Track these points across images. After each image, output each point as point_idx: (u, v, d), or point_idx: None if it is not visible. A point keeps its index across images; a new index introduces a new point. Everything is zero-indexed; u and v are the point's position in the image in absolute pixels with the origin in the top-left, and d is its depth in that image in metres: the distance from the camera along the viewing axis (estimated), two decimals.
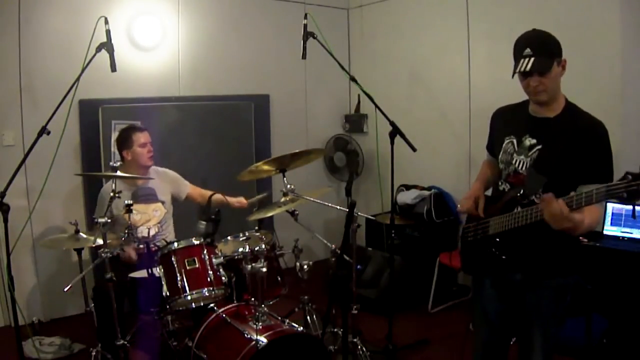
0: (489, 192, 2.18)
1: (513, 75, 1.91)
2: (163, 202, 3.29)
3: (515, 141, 2.01)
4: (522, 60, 1.83)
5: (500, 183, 2.07)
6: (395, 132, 2.81)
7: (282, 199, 2.81)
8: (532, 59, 1.81)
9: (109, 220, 2.58)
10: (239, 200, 3.31)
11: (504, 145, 2.05)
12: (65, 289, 2.50)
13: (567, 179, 1.85)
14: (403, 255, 4.04)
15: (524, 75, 1.88)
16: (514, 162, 1.99)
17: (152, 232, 3.18)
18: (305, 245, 2.92)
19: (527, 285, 1.98)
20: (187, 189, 3.45)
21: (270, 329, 2.41)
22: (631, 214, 3.12)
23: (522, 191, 1.91)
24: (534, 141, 1.94)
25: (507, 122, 2.11)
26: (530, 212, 1.82)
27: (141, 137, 3.19)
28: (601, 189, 1.60)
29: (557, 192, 1.74)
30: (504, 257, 1.98)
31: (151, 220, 3.21)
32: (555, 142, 1.89)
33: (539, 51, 1.82)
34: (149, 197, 3.24)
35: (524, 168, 1.96)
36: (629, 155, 3.32)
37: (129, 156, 3.18)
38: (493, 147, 2.18)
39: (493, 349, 2.18)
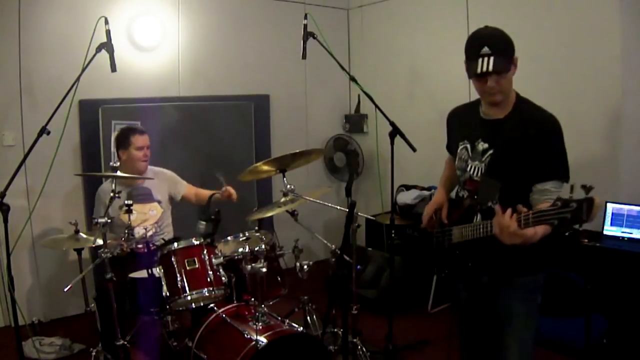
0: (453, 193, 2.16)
1: (471, 77, 1.81)
2: (160, 202, 3.28)
3: (469, 146, 1.96)
4: (480, 59, 1.72)
5: (459, 189, 2.04)
6: (395, 132, 2.80)
7: (282, 199, 2.81)
8: (492, 58, 1.70)
9: (109, 221, 2.58)
10: (222, 193, 3.13)
11: (458, 150, 2.00)
12: (65, 289, 2.50)
13: (521, 181, 1.80)
14: (403, 255, 4.04)
15: (481, 76, 1.76)
16: (468, 168, 1.95)
17: (149, 232, 3.18)
18: (305, 245, 2.92)
19: (496, 286, 1.94)
20: (184, 188, 3.44)
21: (270, 329, 2.41)
22: (632, 214, 3.14)
23: (476, 198, 1.88)
24: (486, 145, 1.89)
25: (460, 125, 2.05)
26: (488, 225, 1.77)
27: (140, 140, 3.18)
28: (535, 214, 1.54)
29: (513, 196, 1.71)
30: (470, 264, 1.94)
31: (148, 220, 3.21)
32: (505, 145, 1.83)
33: (498, 50, 1.72)
34: (145, 196, 3.24)
35: (478, 174, 1.91)
36: (629, 155, 3.32)
37: (124, 156, 3.16)
38: (451, 147, 2.14)
39: (476, 350, 2.15)
